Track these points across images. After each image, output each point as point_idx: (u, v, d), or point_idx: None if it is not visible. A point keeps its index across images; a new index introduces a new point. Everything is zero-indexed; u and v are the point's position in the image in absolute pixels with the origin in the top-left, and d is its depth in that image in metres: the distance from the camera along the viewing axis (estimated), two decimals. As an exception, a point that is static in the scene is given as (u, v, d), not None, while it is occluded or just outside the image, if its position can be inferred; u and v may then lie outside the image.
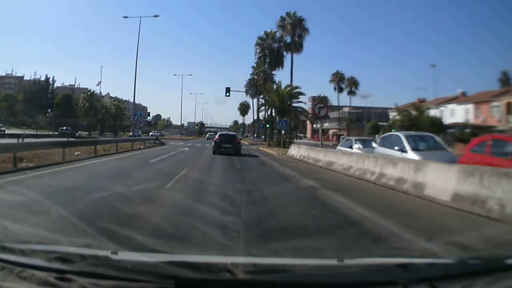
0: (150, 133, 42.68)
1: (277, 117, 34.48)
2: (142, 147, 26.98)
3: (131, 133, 39.67)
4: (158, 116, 42.53)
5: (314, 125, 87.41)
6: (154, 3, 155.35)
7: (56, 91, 78.57)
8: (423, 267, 1.73)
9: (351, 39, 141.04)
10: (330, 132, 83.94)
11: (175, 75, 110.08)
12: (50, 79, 78.03)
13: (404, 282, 1.38)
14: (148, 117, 44.19)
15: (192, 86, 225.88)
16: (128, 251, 2.86)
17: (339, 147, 17.13)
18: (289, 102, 34.39)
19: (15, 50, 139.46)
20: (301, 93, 35.30)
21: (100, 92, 71.86)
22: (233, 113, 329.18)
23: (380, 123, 56.25)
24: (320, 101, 18.98)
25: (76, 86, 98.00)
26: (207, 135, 66.98)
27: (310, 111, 41.98)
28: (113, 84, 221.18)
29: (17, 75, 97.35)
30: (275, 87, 35.05)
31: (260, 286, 1.42)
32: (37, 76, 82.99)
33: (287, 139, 32.27)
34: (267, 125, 40.32)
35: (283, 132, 31.91)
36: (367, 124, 59.12)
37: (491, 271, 1.56)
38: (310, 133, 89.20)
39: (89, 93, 67.42)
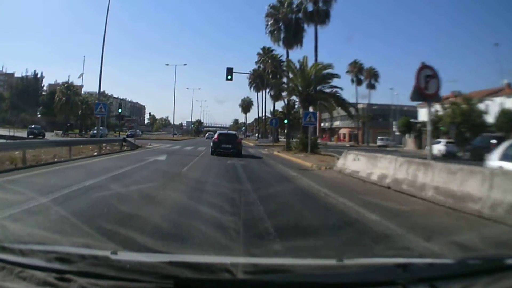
0: (127, 133, 33.22)
1: (301, 109, 23.98)
2: (95, 153, 17.06)
3: (91, 132, 29.73)
4: (138, 109, 32.68)
5: (322, 124, 77.51)
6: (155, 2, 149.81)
7: (48, 88, 71.78)
8: (422, 267, 1.66)
9: (354, 36, 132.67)
10: (341, 131, 74.74)
11: (167, 65, 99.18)
12: (39, 76, 71.73)
13: (404, 282, 1.34)
14: (119, 110, 33.58)
15: (191, 86, 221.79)
16: (127, 251, 2.82)
17: (497, 163, 7.23)
18: (314, 90, 23.93)
19: (7, 48, 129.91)
20: (334, 75, 23.88)
21: (82, 86, 62.69)
22: (233, 113, 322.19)
23: (412, 120, 47.34)
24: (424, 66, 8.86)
25: (69, 83, 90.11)
26: (206, 134, 65.41)
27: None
28: (113, 84, 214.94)
29: (8, 72, 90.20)
30: (298, 66, 23.66)
31: (260, 286, 1.38)
32: (28, 73, 76.33)
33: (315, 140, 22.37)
34: (286, 121, 29.27)
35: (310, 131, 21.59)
36: (398, 121, 49.47)
37: (491, 271, 1.50)
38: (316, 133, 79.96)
39: (66, 85, 57.19)
